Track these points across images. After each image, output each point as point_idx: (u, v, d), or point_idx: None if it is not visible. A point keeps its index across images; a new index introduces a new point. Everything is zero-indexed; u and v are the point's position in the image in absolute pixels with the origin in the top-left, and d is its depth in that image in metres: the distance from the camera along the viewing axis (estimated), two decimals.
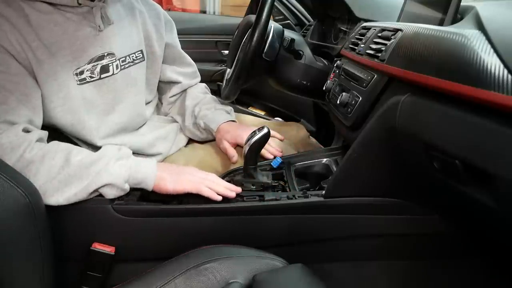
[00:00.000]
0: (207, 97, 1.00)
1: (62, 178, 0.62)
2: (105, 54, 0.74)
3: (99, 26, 0.73)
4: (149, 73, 0.88)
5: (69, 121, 0.73)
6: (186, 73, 1.00)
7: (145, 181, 0.67)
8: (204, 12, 3.79)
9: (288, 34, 1.00)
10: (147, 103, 0.91)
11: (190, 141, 1.01)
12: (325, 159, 0.90)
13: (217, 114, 0.93)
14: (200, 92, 1.01)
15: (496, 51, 0.40)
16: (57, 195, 0.61)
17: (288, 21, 1.69)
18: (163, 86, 0.99)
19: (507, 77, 0.37)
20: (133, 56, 0.81)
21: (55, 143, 0.66)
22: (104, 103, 0.77)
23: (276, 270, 0.56)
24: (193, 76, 1.03)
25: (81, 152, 0.66)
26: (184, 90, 1.01)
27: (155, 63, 0.89)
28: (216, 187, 0.69)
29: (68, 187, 0.62)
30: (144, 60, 0.85)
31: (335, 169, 0.86)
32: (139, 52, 0.83)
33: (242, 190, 0.74)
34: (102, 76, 0.74)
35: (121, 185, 0.65)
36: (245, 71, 0.88)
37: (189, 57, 1.02)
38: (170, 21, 0.95)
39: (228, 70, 1.07)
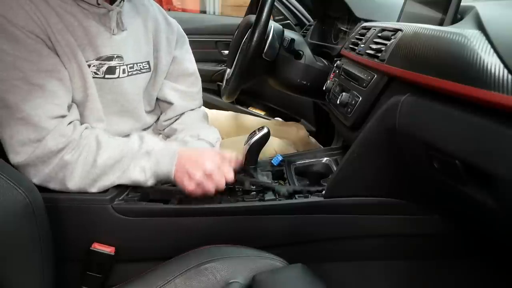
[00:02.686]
0: (196, 125, 0.93)
1: (93, 176, 0.67)
2: (115, 56, 0.74)
3: (113, 30, 0.73)
4: (150, 85, 0.87)
5: (83, 104, 0.73)
6: (185, 91, 0.93)
7: (167, 177, 0.70)
8: (204, 12, 3.80)
9: (288, 34, 1.00)
10: (147, 112, 0.90)
11: None
12: (325, 159, 0.90)
13: (195, 144, 0.85)
14: (194, 119, 0.94)
15: (496, 51, 0.40)
16: (91, 188, 0.67)
17: (288, 21, 1.69)
18: (160, 105, 0.95)
19: (507, 77, 0.37)
20: (140, 65, 0.82)
21: (85, 141, 0.68)
22: (102, 103, 0.76)
23: (276, 270, 0.56)
24: (194, 97, 0.96)
25: (107, 149, 0.68)
26: (181, 114, 0.94)
27: (158, 76, 0.88)
28: (218, 184, 0.68)
29: (98, 183, 0.67)
30: (150, 71, 0.85)
31: (335, 168, 0.86)
32: (146, 62, 0.83)
33: (242, 189, 0.74)
34: (107, 76, 0.74)
35: (144, 184, 0.70)
36: (245, 71, 0.88)
37: (198, 78, 0.97)
38: (184, 37, 0.94)
39: (228, 70, 1.07)
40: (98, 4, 0.70)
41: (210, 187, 0.68)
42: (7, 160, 0.62)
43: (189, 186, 0.68)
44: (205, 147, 0.82)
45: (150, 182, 0.70)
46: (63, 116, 0.66)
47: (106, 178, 0.68)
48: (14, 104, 0.61)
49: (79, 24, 0.69)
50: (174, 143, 0.86)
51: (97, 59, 0.72)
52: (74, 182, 0.65)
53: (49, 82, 0.64)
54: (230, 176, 0.70)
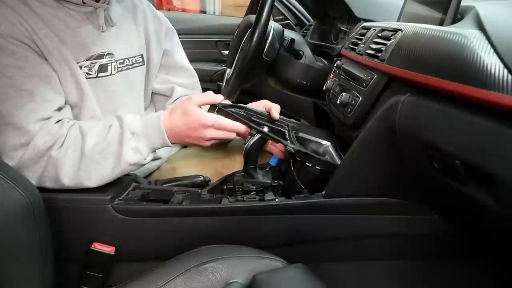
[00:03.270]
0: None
1: (86, 167, 0.65)
2: (105, 53, 0.74)
3: (101, 27, 0.73)
4: (145, 79, 0.87)
5: (79, 105, 0.73)
6: (181, 83, 0.94)
7: (164, 146, 0.71)
8: (204, 12, 3.80)
9: (288, 34, 1.00)
10: (144, 108, 0.90)
11: None
12: (325, 142, 0.89)
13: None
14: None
15: (496, 51, 0.40)
16: (88, 181, 0.66)
17: (288, 21, 1.69)
18: (156, 98, 0.95)
19: (507, 77, 0.37)
20: (132, 60, 0.81)
21: (72, 132, 0.67)
22: (98, 102, 0.76)
23: (276, 270, 0.56)
24: (191, 87, 0.96)
25: (91, 136, 0.67)
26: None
27: (151, 69, 0.88)
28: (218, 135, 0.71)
29: (93, 174, 0.66)
30: (144, 64, 0.85)
31: (332, 152, 0.85)
32: (139, 56, 0.83)
33: (242, 190, 0.74)
34: (100, 75, 0.74)
35: (143, 162, 0.69)
36: (245, 71, 0.88)
37: (191, 68, 0.98)
38: (172, 30, 0.94)
39: (228, 70, 1.07)
40: (84, 3, 0.70)
41: (224, 135, 0.71)
42: None
43: (205, 144, 0.71)
44: (179, 104, 0.75)
45: (148, 158, 0.70)
46: (52, 117, 0.66)
47: (101, 168, 0.66)
48: (5, 111, 0.62)
49: (67, 26, 0.69)
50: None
51: (87, 59, 0.72)
52: (68, 177, 0.65)
53: (38, 87, 0.64)
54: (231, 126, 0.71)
